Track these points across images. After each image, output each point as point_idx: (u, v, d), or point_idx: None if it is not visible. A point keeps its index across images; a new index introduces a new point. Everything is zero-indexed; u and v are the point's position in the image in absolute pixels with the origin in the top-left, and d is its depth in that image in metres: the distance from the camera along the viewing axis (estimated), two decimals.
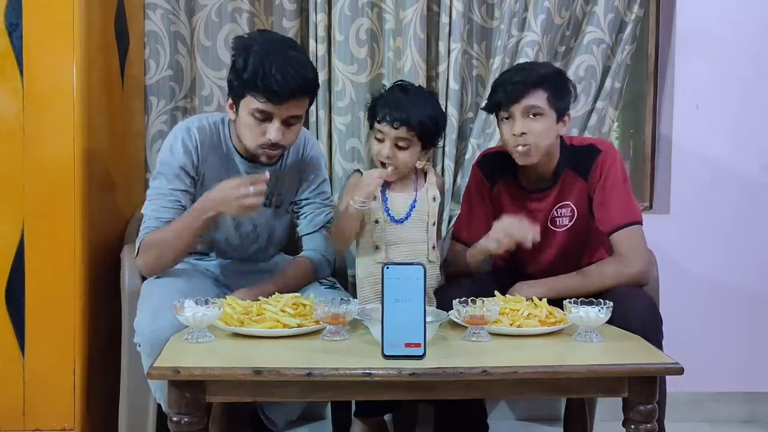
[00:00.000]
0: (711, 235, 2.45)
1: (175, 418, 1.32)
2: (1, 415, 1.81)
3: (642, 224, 1.83)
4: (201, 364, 1.31)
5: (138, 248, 1.77)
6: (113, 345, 1.86)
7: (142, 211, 1.80)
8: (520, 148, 1.79)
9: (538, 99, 1.76)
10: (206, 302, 1.47)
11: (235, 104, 1.74)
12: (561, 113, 1.81)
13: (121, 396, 1.83)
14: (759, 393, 2.47)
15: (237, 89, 1.71)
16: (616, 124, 2.43)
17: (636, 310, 1.65)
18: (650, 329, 1.62)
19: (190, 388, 1.31)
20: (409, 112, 1.79)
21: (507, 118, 1.81)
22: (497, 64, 2.31)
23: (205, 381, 1.31)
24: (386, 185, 1.89)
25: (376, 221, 1.87)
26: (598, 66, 2.36)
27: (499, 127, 1.86)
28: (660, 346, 1.63)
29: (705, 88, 2.43)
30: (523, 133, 1.77)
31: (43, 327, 1.81)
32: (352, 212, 1.77)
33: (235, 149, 1.84)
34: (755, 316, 2.47)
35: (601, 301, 1.50)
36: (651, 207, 2.50)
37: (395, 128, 1.79)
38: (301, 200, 1.97)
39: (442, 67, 2.33)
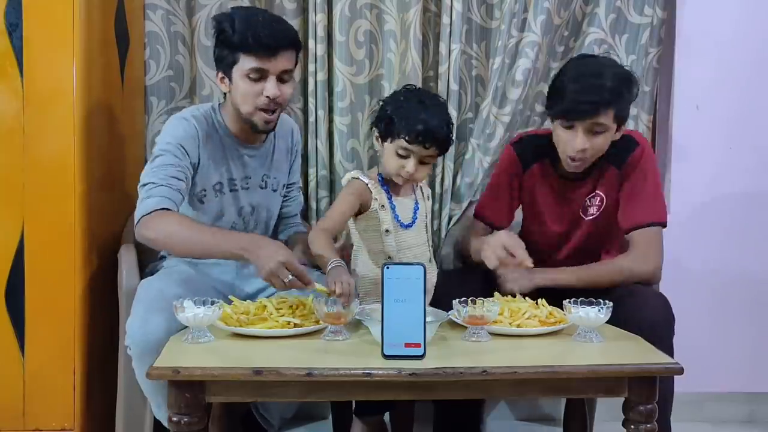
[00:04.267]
0: (711, 236, 2.45)
1: (175, 418, 1.32)
2: (1, 415, 1.81)
3: (664, 226, 1.82)
4: (201, 364, 1.31)
5: (147, 213, 1.65)
6: (113, 345, 1.86)
7: (145, 181, 1.71)
8: (572, 162, 1.78)
9: (606, 117, 1.72)
10: (204, 302, 1.47)
11: (227, 76, 1.78)
12: (621, 124, 1.78)
13: (118, 396, 1.83)
14: (760, 393, 2.47)
15: (228, 57, 1.75)
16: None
17: (650, 307, 1.66)
18: (663, 327, 1.63)
19: (190, 388, 1.31)
20: (437, 130, 1.73)
21: (569, 127, 1.76)
22: (497, 65, 2.31)
23: (205, 381, 1.31)
24: (391, 191, 1.85)
25: (387, 230, 1.82)
26: None
27: (554, 128, 1.81)
28: (671, 344, 1.64)
29: (705, 88, 2.43)
30: (584, 149, 1.74)
31: (43, 327, 1.81)
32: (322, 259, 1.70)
33: (229, 131, 1.86)
34: (756, 317, 2.47)
35: (601, 301, 1.50)
36: None
37: (426, 148, 1.75)
38: (291, 184, 2.07)
39: (442, 68, 2.33)
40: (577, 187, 1.89)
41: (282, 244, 1.62)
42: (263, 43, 1.70)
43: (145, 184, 1.71)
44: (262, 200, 1.94)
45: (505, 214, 1.99)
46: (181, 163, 1.74)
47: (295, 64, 1.82)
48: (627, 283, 1.76)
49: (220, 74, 1.80)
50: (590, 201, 1.89)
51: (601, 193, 1.87)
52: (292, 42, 1.77)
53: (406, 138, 1.73)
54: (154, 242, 1.69)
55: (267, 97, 1.74)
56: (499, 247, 1.69)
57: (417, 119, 1.72)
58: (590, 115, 1.71)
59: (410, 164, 1.76)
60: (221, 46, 1.77)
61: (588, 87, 1.71)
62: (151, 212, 1.66)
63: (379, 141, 1.82)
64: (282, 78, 1.76)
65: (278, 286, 1.53)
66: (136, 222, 1.69)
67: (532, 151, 1.94)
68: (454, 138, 1.86)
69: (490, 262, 1.70)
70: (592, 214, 1.89)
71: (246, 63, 1.72)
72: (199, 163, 1.81)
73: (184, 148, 1.76)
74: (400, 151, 1.75)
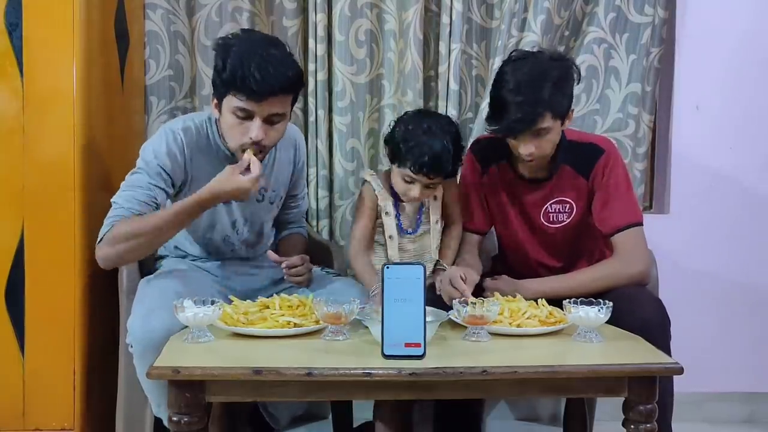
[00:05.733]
0: (711, 235, 2.45)
1: (175, 418, 1.32)
2: (1, 415, 1.82)
3: (642, 225, 1.83)
4: (201, 364, 1.31)
5: (102, 237, 1.66)
6: (113, 345, 1.86)
7: (115, 198, 1.70)
8: (526, 164, 1.80)
9: (544, 121, 1.72)
10: (204, 302, 1.47)
11: (219, 103, 1.72)
12: (565, 117, 1.79)
13: (118, 396, 1.83)
14: (759, 393, 2.47)
15: (219, 89, 1.70)
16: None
17: (643, 309, 1.65)
18: (657, 329, 1.63)
19: (190, 388, 1.31)
20: (440, 159, 1.78)
21: (513, 137, 1.78)
22: (497, 65, 2.31)
23: (205, 381, 1.31)
24: (396, 198, 1.92)
25: (390, 236, 1.90)
26: (600, 66, 2.36)
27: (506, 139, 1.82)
28: (667, 345, 1.64)
29: (705, 88, 2.43)
30: (531, 153, 1.76)
31: (43, 327, 1.81)
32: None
33: (224, 144, 1.80)
34: (755, 316, 2.47)
35: (601, 301, 1.50)
36: (650, 207, 2.50)
37: (431, 178, 1.81)
38: (295, 195, 2.05)
39: (442, 68, 2.33)
40: (534, 190, 1.89)
41: (228, 171, 1.64)
42: (250, 88, 1.62)
43: (114, 202, 1.70)
44: (257, 212, 1.92)
45: (482, 219, 1.98)
46: (154, 186, 1.70)
47: (292, 105, 1.76)
48: (617, 287, 1.75)
49: (215, 100, 1.74)
50: (553, 207, 1.88)
51: (570, 201, 1.87)
52: (285, 89, 1.67)
53: (411, 168, 1.79)
54: (120, 255, 1.67)
55: (251, 138, 1.68)
56: (447, 282, 1.69)
57: (421, 151, 1.77)
58: (529, 126, 1.71)
59: (415, 190, 1.84)
60: (215, 74, 1.70)
61: (522, 102, 1.70)
62: (101, 240, 1.66)
63: (389, 159, 1.89)
64: (271, 120, 1.70)
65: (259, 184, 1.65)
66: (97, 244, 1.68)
67: (490, 153, 1.94)
68: (462, 161, 1.92)
69: (444, 297, 1.70)
70: (562, 222, 1.89)
71: (233, 101, 1.66)
72: (188, 179, 1.78)
73: (164, 169, 1.72)
74: (405, 178, 1.83)
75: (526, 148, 1.75)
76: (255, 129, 1.67)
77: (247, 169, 1.64)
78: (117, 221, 1.66)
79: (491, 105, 1.80)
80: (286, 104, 1.72)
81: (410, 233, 1.92)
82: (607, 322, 1.51)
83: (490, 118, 1.79)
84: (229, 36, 1.74)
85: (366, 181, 1.95)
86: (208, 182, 1.70)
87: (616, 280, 1.77)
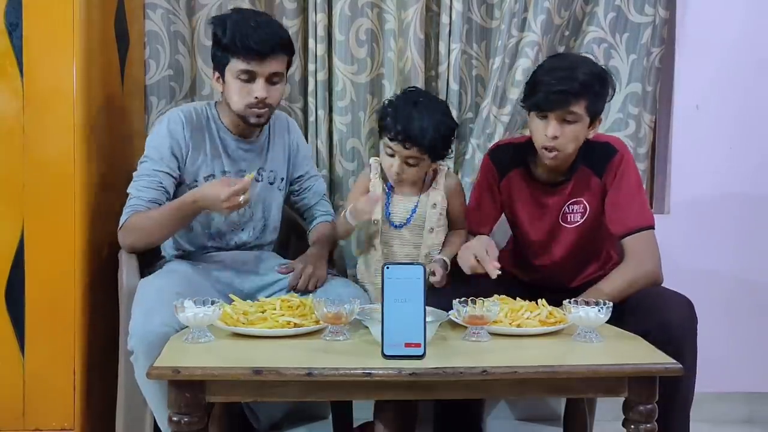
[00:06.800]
0: (710, 235, 2.45)
1: (175, 418, 1.32)
2: (1, 415, 1.82)
3: (654, 228, 1.83)
4: (201, 364, 1.31)
5: (121, 226, 1.81)
6: (113, 345, 1.86)
7: (129, 189, 1.84)
8: (548, 152, 1.78)
9: (578, 107, 1.73)
10: (204, 302, 1.47)
11: (221, 75, 1.85)
12: (594, 118, 1.79)
13: (118, 396, 1.83)
14: (759, 393, 2.47)
15: (220, 58, 1.83)
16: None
17: (674, 308, 1.67)
18: (688, 328, 1.66)
19: (190, 388, 1.31)
20: (420, 131, 1.77)
21: (542, 117, 1.77)
22: (497, 65, 2.32)
23: (205, 381, 1.31)
24: (391, 188, 1.91)
25: (375, 221, 1.89)
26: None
27: (530, 120, 1.83)
28: (696, 343, 1.67)
29: (705, 88, 2.43)
30: (555, 137, 1.75)
31: (43, 327, 1.81)
32: (347, 220, 1.83)
33: (224, 126, 1.92)
34: (755, 316, 2.47)
35: (601, 301, 1.50)
36: (650, 207, 2.49)
37: (406, 148, 1.80)
38: (302, 176, 2.09)
39: (442, 68, 2.33)
40: (554, 193, 1.89)
41: (216, 182, 1.76)
42: (251, 48, 1.77)
43: (128, 192, 1.84)
44: (259, 192, 1.96)
45: (489, 222, 1.99)
46: (157, 171, 1.83)
47: (287, 68, 1.89)
48: (633, 290, 1.76)
49: (216, 74, 1.88)
50: (570, 208, 1.88)
51: (583, 201, 1.87)
52: (282, 48, 1.83)
53: (389, 136, 1.81)
54: (135, 244, 1.82)
55: (256, 97, 1.81)
56: (472, 256, 1.70)
57: (401, 119, 1.78)
58: (562, 105, 1.73)
59: (396, 163, 1.83)
60: (215, 47, 1.85)
61: (561, 78, 1.73)
62: (121, 227, 1.81)
63: None
64: (271, 80, 1.83)
65: (243, 205, 1.70)
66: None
67: (509, 159, 1.94)
68: (449, 144, 1.88)
69: (465, 268, 1.72)
70: (576, 222, 1.89)
71: (236, 65, 1.80)
72: (188, 152, 1.87)
73: (167, 149, 1.83)
74: (387, 150, 1.84)
75: (553, 129, 1.74)
76: (259, 88, 1.81)
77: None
78: (134, 212, 1.79)
79: (528, 85, 1.81)
80: (284, 64, 1.86)
81: (396, 227, 1.90)
82: (637, 322, 1.52)
83: (526, 95, 1.81)
84: (222, 13, 1.90)
85: (369, 165, 1.96)
86: (210, 160, 1.88)
87: (629, 285, 1.76)
